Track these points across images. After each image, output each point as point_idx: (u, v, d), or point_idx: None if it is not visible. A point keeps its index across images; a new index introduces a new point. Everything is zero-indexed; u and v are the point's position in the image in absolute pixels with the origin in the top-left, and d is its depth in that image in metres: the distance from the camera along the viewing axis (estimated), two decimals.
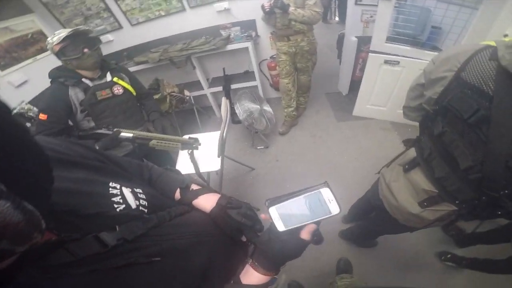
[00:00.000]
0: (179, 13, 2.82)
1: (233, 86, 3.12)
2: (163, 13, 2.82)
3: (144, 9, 2.78)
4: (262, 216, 0.50)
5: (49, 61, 2.68)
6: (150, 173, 0.72)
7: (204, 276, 0.52)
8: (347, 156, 2.62)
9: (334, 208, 0.44)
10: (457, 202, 0.87)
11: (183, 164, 1.91)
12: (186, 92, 3.11)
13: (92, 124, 1.53)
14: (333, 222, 2.07)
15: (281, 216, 0.46)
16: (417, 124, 1.05)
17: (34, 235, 0.24)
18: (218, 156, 1.63)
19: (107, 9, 2.74)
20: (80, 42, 1.37)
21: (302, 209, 0.45)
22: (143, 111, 1.84)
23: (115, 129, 1.28)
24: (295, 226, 0.46)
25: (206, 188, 0.71)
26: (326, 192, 0.44)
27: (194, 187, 0.71)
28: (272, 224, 0.48)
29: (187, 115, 3.52)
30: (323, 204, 0.44)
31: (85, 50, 1.38)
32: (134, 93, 1.67)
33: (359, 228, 1.77)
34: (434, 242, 1.86)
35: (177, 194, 0.69)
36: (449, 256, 1.70)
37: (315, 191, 0.44)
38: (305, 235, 0.46)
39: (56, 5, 2.61)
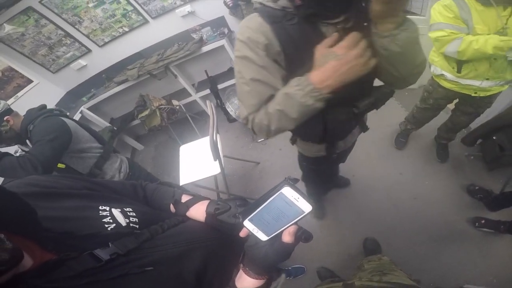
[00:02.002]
0: (143, 25, 2.74)
1: (221, 86, 3.04)
2: (126, 29, 2.74)
3: (106, 28, 2.70)
4: (240, 234, 0.49)
5: (32, 95, 2.67)
6: (144, 191, 0.76)
7: (199, 281, 0.55)
8: None
9: (305, 206, 0.40)
10: None
11: (186, 173, 1.91)
12: (175, 102, 3.05)
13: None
14: (352, 199, 1.98)
15: (258, 227, 0.44)
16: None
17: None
18: (215, 160, 1.57)
19: (68, 35, 2.67)
20: None
21: (274, 214, 0.42)
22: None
23: None
24: (276, 233, 0.44)
25: (196, 198, 0.72)
26: (288, 192, 0.40)
27: (184, 198, 0.73)
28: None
29: (182, 124, 3.48)
30: (291, 205, 0.40)
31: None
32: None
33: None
34: (462, 208, 1.73)
35: (172, 208, 0.72)
36: (483, 221, 1.57)
37: (277, 193, 0.40)
38: (287, 238, 0.44)
39: (12, 39, 2.52)
